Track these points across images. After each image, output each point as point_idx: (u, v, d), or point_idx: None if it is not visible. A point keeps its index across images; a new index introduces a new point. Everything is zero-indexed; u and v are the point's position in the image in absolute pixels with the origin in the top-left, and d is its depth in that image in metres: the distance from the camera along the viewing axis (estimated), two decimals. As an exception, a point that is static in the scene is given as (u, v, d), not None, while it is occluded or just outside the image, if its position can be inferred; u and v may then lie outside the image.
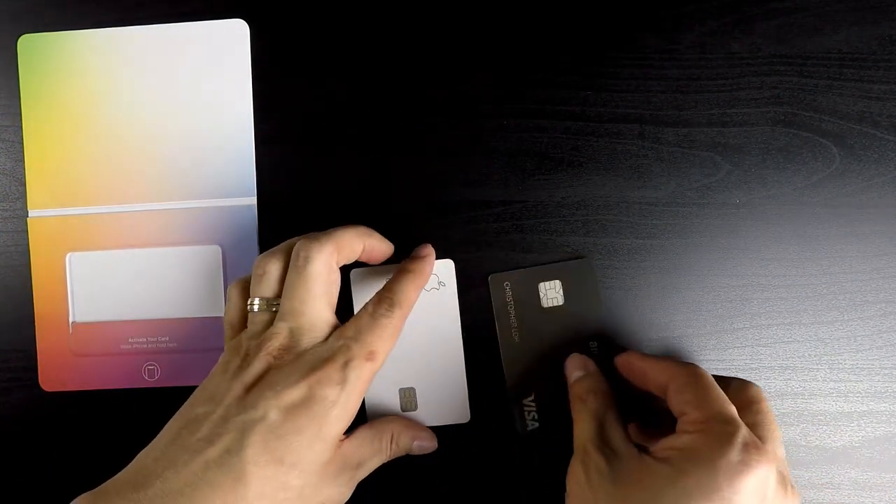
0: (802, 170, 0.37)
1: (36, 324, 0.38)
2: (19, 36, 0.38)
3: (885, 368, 0.37)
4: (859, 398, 0.37)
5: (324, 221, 0.38)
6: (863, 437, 0.37)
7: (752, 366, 0.37)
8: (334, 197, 0.38)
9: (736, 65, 0.37)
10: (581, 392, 0.34)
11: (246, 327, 0.34)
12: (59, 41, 0.38)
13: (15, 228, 0.39)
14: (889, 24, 0.37)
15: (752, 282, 0.37)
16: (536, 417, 0.37)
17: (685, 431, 0.30)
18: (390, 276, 0.35)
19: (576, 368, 0.35)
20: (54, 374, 0.38)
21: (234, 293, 0.35)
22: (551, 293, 0.37)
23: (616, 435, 0.32)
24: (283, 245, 0.35)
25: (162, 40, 0.38)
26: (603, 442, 0.32)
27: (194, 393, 0.33)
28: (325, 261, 0.33)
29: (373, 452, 0.34)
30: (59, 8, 0.38)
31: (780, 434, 0.32)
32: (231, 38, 0.38)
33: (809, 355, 0.37)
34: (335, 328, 0.33)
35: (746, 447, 0.29)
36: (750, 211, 0.37)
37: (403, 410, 0.37)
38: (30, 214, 0.38)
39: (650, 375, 0.33)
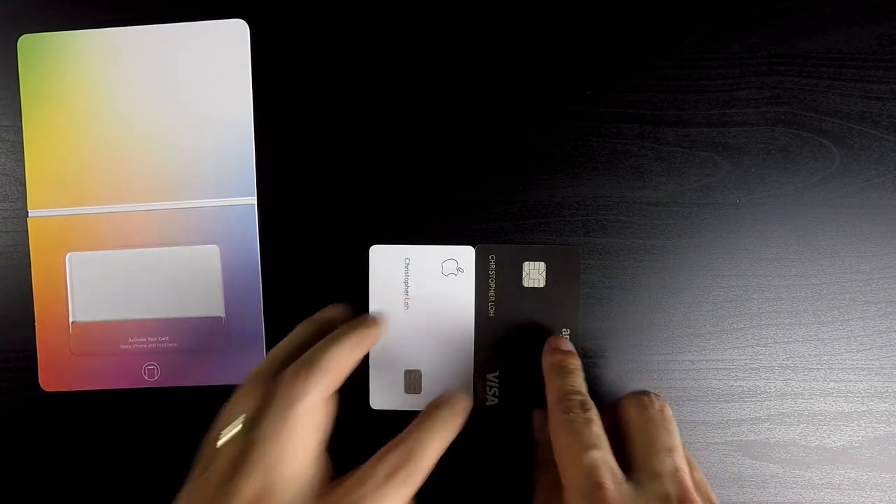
0: (802, 170, 0.37)
1: (36, 324, 0.38)
2: (19, 36, 0.38)
3: (885, 368, 0.37)
4: (859, 398, 0.37)
5: (324, 222, 0.38)
6: (863, 437, 0.37)
7: (752, 366, 0.37)
8: (334, 197, 0.38)
9: (736, 65, 0.37)
10: None
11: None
12: (59, 41, 0.38)
13: (15, 228, 0.39)
14: (889, 24, 0.37)
15: (752, 282, 0.37)
16: (497, 394, 0.37)
17: None
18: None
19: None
20: (54, 374, 0.38)
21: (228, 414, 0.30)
22: (534, 273, 0.37)
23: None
24: (265, 368, 0.30)
25: (162, 40, 0.38)
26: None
27: None
28: (316, 401, 0.28)
29: None
30: (59, 8, 0.38)
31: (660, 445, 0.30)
32: (231, 38, 0.38)
33: (809, 355, 0.37)
34: (322, 474, 0.28)
35: None
36: (750, 211, 0.37)
37: (407, 393, 0.37)
38: (30, 214, 0.38)
39: None
